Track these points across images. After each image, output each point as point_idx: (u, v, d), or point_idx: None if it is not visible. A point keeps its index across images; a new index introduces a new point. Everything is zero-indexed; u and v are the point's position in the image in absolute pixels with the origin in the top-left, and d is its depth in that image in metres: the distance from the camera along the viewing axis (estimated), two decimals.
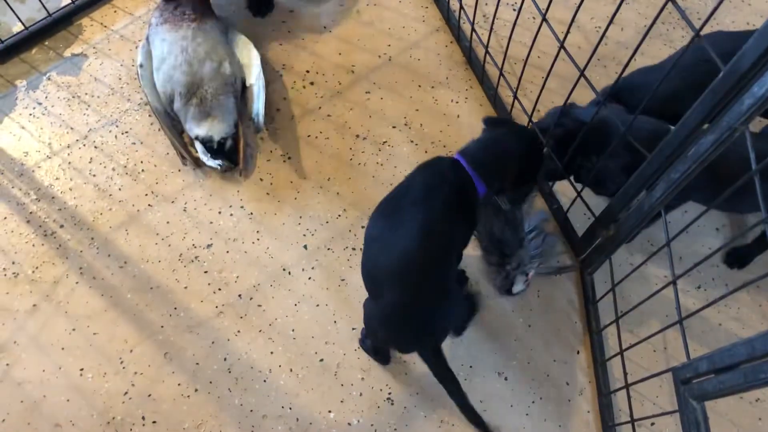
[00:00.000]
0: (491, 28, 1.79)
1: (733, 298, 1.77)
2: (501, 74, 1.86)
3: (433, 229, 1.31)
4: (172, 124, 1.97)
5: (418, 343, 1.41)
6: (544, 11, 1.45)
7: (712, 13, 0.96)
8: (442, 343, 1.43)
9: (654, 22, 0.99)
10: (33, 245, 1.82)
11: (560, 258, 1.83)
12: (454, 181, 1.40)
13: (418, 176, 1.42)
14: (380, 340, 1.55)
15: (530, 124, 1.75)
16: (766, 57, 0.94)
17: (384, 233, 1.35)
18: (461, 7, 2.02)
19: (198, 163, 1.94)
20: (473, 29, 2.02)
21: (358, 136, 1.98)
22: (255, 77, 1.97)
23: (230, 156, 1.92)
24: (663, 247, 1.23)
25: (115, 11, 2.26)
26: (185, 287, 1.79)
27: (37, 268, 1.79)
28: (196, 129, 1.90)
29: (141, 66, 1.97)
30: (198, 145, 1.92)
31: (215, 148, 1.90)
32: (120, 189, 1.92)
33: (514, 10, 2.08)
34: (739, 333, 1.72)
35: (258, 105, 1.94)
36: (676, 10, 2.14)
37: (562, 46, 1.33)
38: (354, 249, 1.82)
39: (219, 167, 1.90)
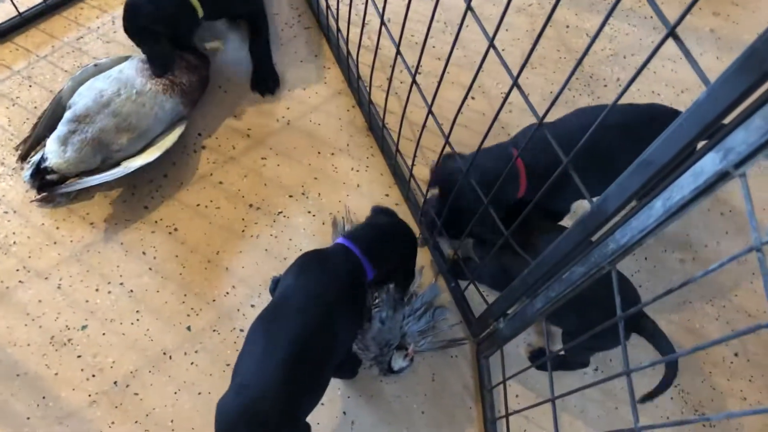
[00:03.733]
0: (387, 93, 1.72)
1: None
2: (397, 149, 1.79)
3: (306, 348, 1.25)
4: (49, 120, 1.86)
5: None
6: (442, 72, 1.38)
7: (624, 90, 0.91)
8: None
9: (562, 90, 0.93)
10: None
11: (452, 331, 1.78)
12: (343, 269, 1.38)
13: (303, 277, 1.37)
14: None
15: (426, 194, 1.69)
16: (625, 205, 0.89)
17: (256, 345, 1.28)
18: (358, 76, 1.95)
19: (22, 158, 1.87)
20: (369, 98, 1.95)
21: (251, 205, 1.89)
22: (138, 162, 1.83)
23: (44, 186, 1.77)
24: (547, 401, 1.18)
25: None
26: (56, 374, 1.66)
27: None
28: (49, 142, 1.77)
29: (95, 66, 1.91)
30: (36, 156, 1.80)
31: (39, 169, 1.76)
32: None
33: (420, 73, 2.02)
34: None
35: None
36: (582, 78, 2.13)
37: (459, 110, 1.26)
38: (242, 330, 1.73)
39: (25, 179, 1.77)
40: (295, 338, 1.25)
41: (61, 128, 1.77)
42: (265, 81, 2.03)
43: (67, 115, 1.79)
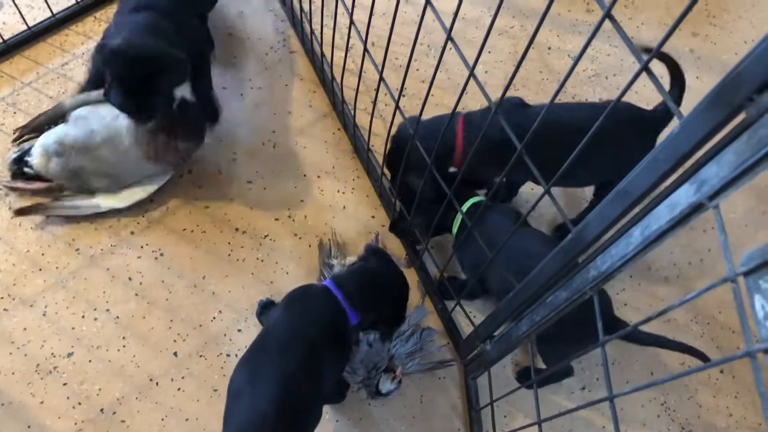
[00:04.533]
0: (372, 116, 1.73)
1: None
2: (382, 172, 1.81)
3: (293, 386, 1.25)
4: (48, 118, 1.89)
5: None
6: (426, 96, 1.40)
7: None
8: None
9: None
10: None
11: (440, 352, 1.78)
12: (326, 312, 1.38)
13: (286, 315, 1.37)
14: None
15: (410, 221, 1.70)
16: (604, 233, 0.91)
17: (244, 388, 1.28)
18: (343, 99, 1.96)
19: (14, 140, 1.92)
20: (354, 121, 1.97)
21: (237, 229, 1.89)
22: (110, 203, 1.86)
23: (19, 174, 1.86)
24: (534, 424, 1.19)
25: None
26: (41, 402, 1.65)
27: None
28: (37, 146, 1.83)
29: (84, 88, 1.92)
30: (25, 145, 1.87)
31: (21, 159, 1.85)
32: None
33: (404, 96, 2.03)
34: None
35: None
36: (565, 98, 2.15)
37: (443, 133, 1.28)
38: (228, 356, 1.73)
39: (8, 161, 1.86)
40: (281, 378, 1.25)
41: (51, 142, 1.80)
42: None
43: (59, 132, 1.81)
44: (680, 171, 0.72)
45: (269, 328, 1.36)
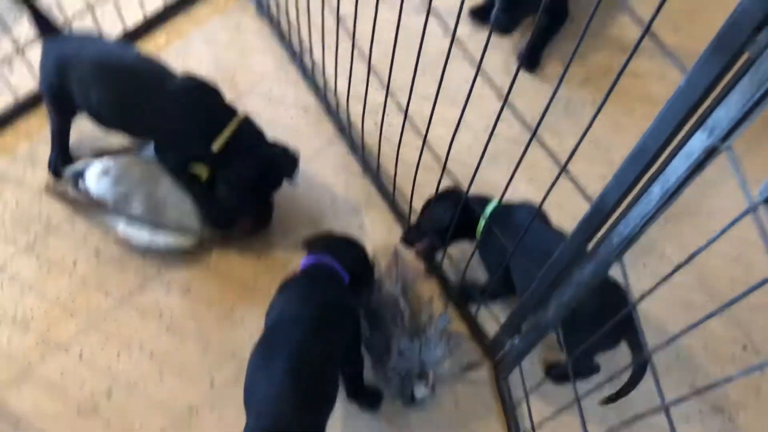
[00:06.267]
0: (380, 137, 1.80)
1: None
2: (394, 188, 1.86)
3: (305, 358, 1.38)
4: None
5: None
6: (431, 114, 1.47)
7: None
8: None
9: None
10: None
11: (469, 356, 1.81)
12: (323, 277, 1.59)
13: (288, 298, 1.55)
14: None
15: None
16: (624, 197, 0.96)
17: (260, 367, 1.42)
18: (349, 124, 2.03)
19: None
20: (363, 143, 2.04)
21: (260, 257, 1.94)
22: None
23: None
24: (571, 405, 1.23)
25: None
26: None
27: None
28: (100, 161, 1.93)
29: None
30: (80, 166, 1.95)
31: (79, 173, 1.93)
32: (8, 342, 1.80)
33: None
34: None
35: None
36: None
37: (450, 146, 1.34)
38: None
39: (66, 174, 1.96)
40: (294, 348, 1.37)
41: (113, 164, 1.90)
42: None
43: (123, 159, 1.93)
44: (692, 121, 0.79)
45: (276, 309, 1.53)
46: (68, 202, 1.97)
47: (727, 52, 0.68)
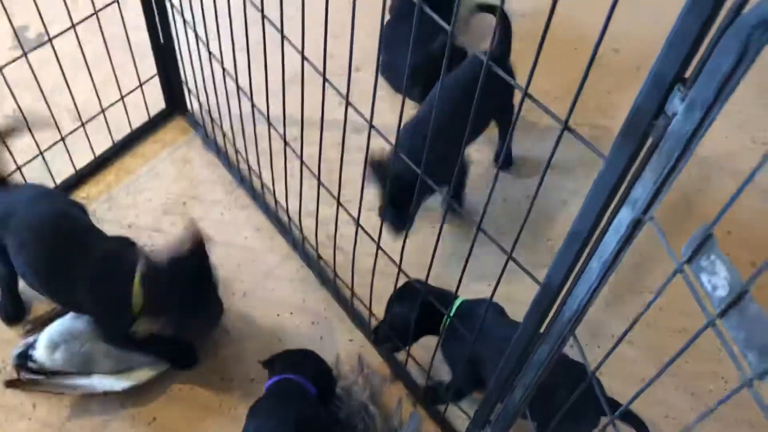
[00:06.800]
0: (334, 248, 1.87)
1: None
2: (352, 293, 1.93)
3: None
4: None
5: None
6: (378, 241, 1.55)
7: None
8: None
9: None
10: None
11: None
12: (295, 394, 1.65)
13: (261, 423, 1.62)
14: None
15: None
16: (569, 276, 1.06)
17: None
18: (303, 239, 2.11)
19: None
20: (318, 254, 2.11)
21: (223, 378, 1.94)
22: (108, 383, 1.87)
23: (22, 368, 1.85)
24: None
25: None
26: None
27: None
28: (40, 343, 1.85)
29: None
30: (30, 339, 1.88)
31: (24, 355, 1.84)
32: None
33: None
34: None
35: None
36: None
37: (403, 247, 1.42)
38: None
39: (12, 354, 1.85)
40: None
41: (57, 332, 1.84)
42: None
43: (66, 322, 1.87)
44: (615, 200, 0.89)
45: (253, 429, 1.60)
46: (30, 388, 1.88)
47: (635, 138, 0.79)
